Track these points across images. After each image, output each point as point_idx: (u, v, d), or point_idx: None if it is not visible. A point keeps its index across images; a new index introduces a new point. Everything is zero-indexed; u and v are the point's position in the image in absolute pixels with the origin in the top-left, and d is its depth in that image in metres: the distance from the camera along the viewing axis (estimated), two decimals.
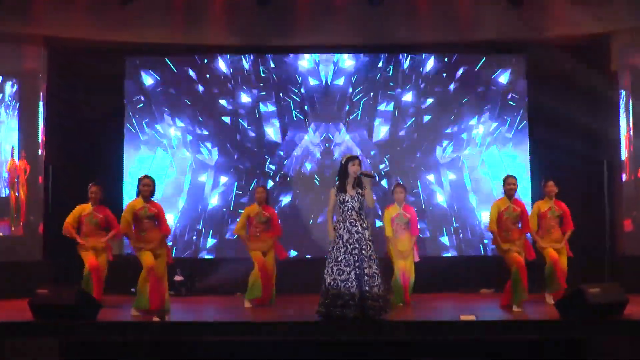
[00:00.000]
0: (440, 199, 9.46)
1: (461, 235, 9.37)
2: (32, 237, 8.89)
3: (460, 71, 9.48)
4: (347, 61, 9.55)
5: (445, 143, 9.45)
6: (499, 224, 7.14)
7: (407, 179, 9.16)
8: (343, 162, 6.18)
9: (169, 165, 9.46)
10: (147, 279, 6.70)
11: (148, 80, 9.50)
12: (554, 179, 7.77)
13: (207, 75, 9.54)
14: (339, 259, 6.00)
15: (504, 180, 7.26)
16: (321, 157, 9.50)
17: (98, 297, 6.98)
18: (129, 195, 8.73)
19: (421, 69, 9.51)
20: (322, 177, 9.45)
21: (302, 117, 9.52)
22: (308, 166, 9.50)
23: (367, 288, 5.92)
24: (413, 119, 9.49)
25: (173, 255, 9.08)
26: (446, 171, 9.46)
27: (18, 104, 8.89)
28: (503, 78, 9.46)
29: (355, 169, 6.12)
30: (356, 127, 9.51)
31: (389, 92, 9.51)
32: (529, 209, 7.69)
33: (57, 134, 9.14)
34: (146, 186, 6.86)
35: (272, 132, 9.50)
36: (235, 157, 9.50)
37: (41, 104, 9.02)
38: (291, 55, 9.53)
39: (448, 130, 9.44)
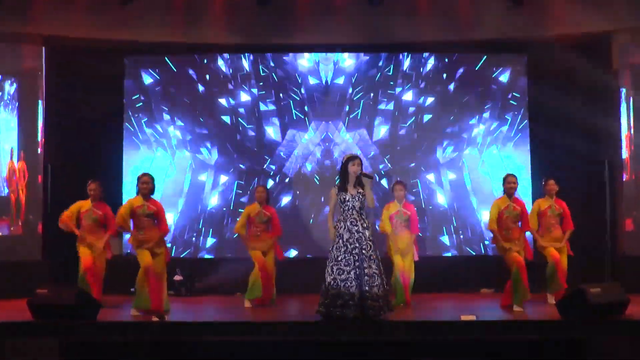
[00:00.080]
0: (441, 198, 9.45)
1: (461, 235, 9.36)
2: (32, 236, 8.87)
3: (461, 70, 9.47)
4: (347, 60, 9.54)
5: (445, 142, 9.44)
6: (499, 223, 7.13)
7: (407, 178, 9.14)
8: (343, 161, 6.18)
9: (168, 165, 9.44)
10: (145, 278, 6.68)
11: (147, 79, 9.48)
12: (555, 177, 7.77)
13: (207, 75, 9.52)
14: (339, 259, 6.00)
15: (504, 179, 7.26)
16: (321, 157, 9.49)
17: (97, 296, 6.96)
18: (129, 194, 8.69)
19: (421, 68, 9.49)
20: (322, 176, 9.44)
21: (302, 117, 9.51)
22: (308, 166, 9.49)
23: (367, 288, 5.91)
24: (413, 118, 9.48)
25: (173, 254, 9.13)
26: (446, 171, 9.45)
27: (17, 104, 8.88)
28: (503, 77, 9.45)
29: (355, 168, 6.11)
30: (356, 126, 9.49)
31: (389, 92, 9.49)
32: (529, 208, 7.67)
33: (57, 133, 9.13)
34: (145, 184, 6.83)
35: (272, 131, 9.49)
36: (235, 156, 9.48)
37: (40, 103, 9.01)
38: (291, 55, 9.52)
39: (448, 130, 9.43)
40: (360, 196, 6.11)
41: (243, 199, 9.33)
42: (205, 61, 9.53)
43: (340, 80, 9.52)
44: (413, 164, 9.44)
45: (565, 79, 9.02)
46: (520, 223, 7.20)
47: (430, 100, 9.48)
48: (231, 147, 9.48)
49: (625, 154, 8.85)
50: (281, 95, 9.49)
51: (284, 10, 8.93)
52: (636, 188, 8.75)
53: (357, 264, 5.96)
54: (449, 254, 9.34)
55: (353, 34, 9.12)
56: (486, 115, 9.45)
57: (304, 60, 9.53)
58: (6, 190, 8.76)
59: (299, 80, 9.51)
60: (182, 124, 9.48)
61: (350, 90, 9.49)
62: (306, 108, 9.50)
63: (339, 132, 9.49)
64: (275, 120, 9.48)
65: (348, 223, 6.07)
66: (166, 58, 9.48)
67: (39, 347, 5.70)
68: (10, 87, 8.85)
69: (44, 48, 8.99)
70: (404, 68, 9.50)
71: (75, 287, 6.93)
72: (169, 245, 9.09)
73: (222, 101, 9.51)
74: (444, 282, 8.80)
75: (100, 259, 7.39)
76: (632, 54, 8.79)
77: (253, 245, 7.72)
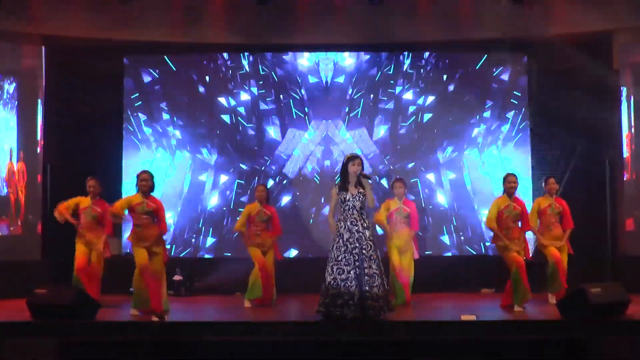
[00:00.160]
0: (441, 198, 9.43)
1: (461, 235, 9.35)
2: (31, 236, 8.86)
3: (461, 70, 9.45)
4: (347, 60, 9.52)
5: (445, 142, 9.42)
6: (499, 223, 7.12)
7: (407, 178, 9.09)
8: (344, 161, 6.18)
9: (168, 165, 9.43)
10: (140, 278, 6.65)
11: (147, 79, 9.47)
12: (555, 176, 7.75)
13: (207, 74, 9.51)
14: (339, 258, 5.99)
15: (504, 179, 7.24)
16: (321, 156, 9.48)
17: (95, 296, 6.92)
18: (129, 194, 8.67)
19: (421, 68, 9.48)
20: (322, 176, 9.42)
21: (302, 116, 9.49)
22: (308, 165, 9.47)
23: (367, 288, 5.90)
24: (413, 118, 9.47)
25: (173, 254, 9.13)
26: (446, 170, 9.43)
27: (17, 103, 8.87)
28: (504, 77, 9.44)
29: (355, 168, 6.11)
30: (356, 126, 9.48)
31: (389, 91, 9.48)
32: (529, 207, 7.66)
33: (56, 133, 9.12)
34: (144, 181, 6.81)
35: (272, 131, 9.48)
36: (235, 156, 9.47)
37: (40, 103, 9.00)
38: (291, 54, 9.51)
39: (448, 129, 9.41)
40: (361, 196, 6.10)
41: (243, 199, 9.32)
42: (205, 61, 9.51)
43: (341, 80, 9.50)
44: (413, 164, 9.43)
45: (565, 78, 9.00)
46: (520, 223, 7.18)
47: (430, 99, 9.47)
48: (231, 147, 9.47)
49: (626, 153, 8.84)
50: (281, 94, 9.48)
51: (283, 9, 8.91)
52: (637, 187, 8.74)
53: (357, 263, 5.95)
54: (449, 254, 9.32)
55: (353, 34, 9.11)
56: (486, 114, 9.43)
57: (304, 60, 9.52)
58: (5, 190, 8.74)
59: (299, 80, 9.50)
60: (182, 124, 9.47)
61: (350, 90, 9.48)
62: (306, 108, 9.49)
63: (339, 132, 9.48)
64: (276, 120, 9.47)
65: (348, 223, 6.06)
66: (166, 57, 9.47)
67: (38, 347, 5.69)
68: (9, 87, 8.84)
69: (43, 47, 8.98)
70: (404, 67, 9.48)
71: (74, 287, 6.92)
72: (168, 245, 9.10)
73: (222, 101, 9.49)
74: (444, 282, 8.78)
75: (99, 259, 7.36)
76: (633, 53, 8.78)
77: (253, 244, 7.69)
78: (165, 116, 9.47)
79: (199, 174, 9.45)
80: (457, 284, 8.86)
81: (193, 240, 9.36)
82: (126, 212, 6.84)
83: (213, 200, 9.42)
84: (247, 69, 9.50)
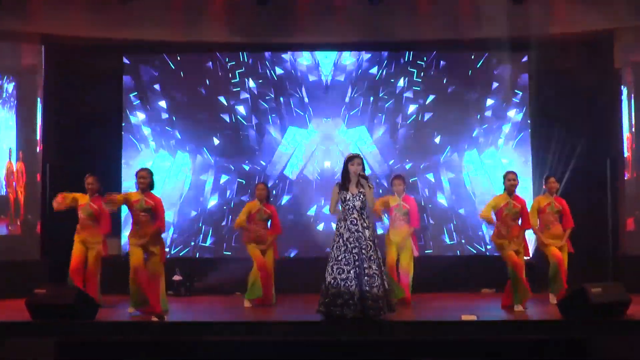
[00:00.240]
0: (441, 198, 9.42)
1: (462, 235, 9.33)
2: (30, 236, 8.85)
3: (462, 69, 9.44)
4: (348, 59, 9.51)
5: (445, 141, 9.41)
6: (498, 220, 7.11)
7: (407, 178, 9.09)
8: (345, 161, 6.17)
9: (168, 165, 9.41)
10: (135, 278, 6.63)
11: (147, 78, 9.45)
12: (555, 175, 7.74)
13: (207, 74, 9.49)
14: (339, 258, 5.98)
15: (505, 176, 7.23)
16: (321, 156, 9.46)
17: (93, 296, 6.90)
18: None
19: (422, 67, 9.46)
20: (322, 175, 9.41)
21: (302, 115, 9.48)
22: (308, 165, 9.46)
23: (367, 288, 5.89)
24: (413, 117, 9.45)
25: (172, 254, 9.12)
26: (446, 170, 9.42)
27: (16, 102, 8.85)
28: (505, 76, 9.42)
29: (355, 168, 6.09)
30: (356, 125, 9.47)
31: (389, 90, 9.47)
32: (529, 206, 7.64)
33: (55, 132, 9.11)
34: (142, 178, 6.79)
35: (272, 130, 9.46)
36: (235, 156, 9.45)
37: (39, 102, 8.98)
38: (291, 53, 9.49)
39: (449, 129, 9.39)
40: (361, 196, 6.09)
41: (243, 198, 9.30)
42: (205, 60, 9.49)
43: (341, 79, 9.49)
44: (413, 163, 9.41)
45: (566, 77, 8.99)
46: (520, 221, 7.17)
47: (430, 98, 9.45)
48: (231, 147, 9.45)
49: (626, 152, 8.82)
50: (281, 94, 9.47)
51: (283, 9, 8.90)
52: (638, 187, 8.72)
53: (357, 263, 5.94)
54: (450, 254, 9.31)
55: (353, 33, 9.10)
56: (487, 113, 9.42)
57: (304, 59, 9.50)
58: (4, 190, 8.72)
59: (299, 79, 9.49)
60: (182, 123, 9.45)
61: (350, 89, 9.46)
62: (306, 107, 9.48)
63: (339, 131, 9.46)
64: (276, 119, 9.46)
65: (348, 222, 6.05)
66: (165, 57, 9.45)
67: (37, 347, 5.67)
68: (8, 86, 8.82)
69: (43, 46, 8.96)
70: (405, 66, 9.47)
71: (73, 287, 6.91)
72: (168, 245, 9.09)
73: (222, 100, 9.48)
74: (444, 282, 8.77)
75: (96, 259, 7.33)
76: (633, 53, 8.76)
77: (252, 242, 7.67)
78: (165, 115, 9.45)
79: (199, 174, 9.44)
80: (457, 284, 8.85)
81: (193, 240, 9.34)
82: (124, 207, 6.82)
83: (213, 200, 9.41)
84: (247, 68, 9.48)
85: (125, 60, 9.42)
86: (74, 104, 9.11)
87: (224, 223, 9.33)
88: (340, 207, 6.15)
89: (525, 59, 9.39)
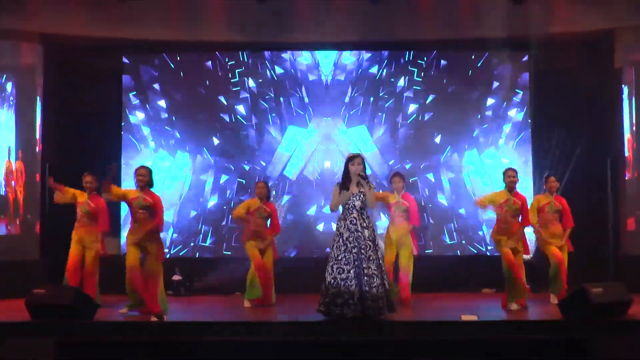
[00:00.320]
0: (441, 198, 9.40)
1: (462, 235, 9.32)
2: (30, 236, 8.83)
3: (462, 69, 9.43)
4: (348, 58, 9.50)
5: (446, 141, 9.39)
6: (498, 217, 7.10)
7: (407, 177, 9.08)
8: (345, 160, 6.16)
9: (168, 164, 9.40)
10: (131, 277, 6.62)
11: (146, 77, 9.43)
12: (555, 174, 7.71)
13: (206, 73, 9.48)
14: (339, 257, 5.97)
15: (504, 173, 7.22)
16: (321, 155, 9.45)
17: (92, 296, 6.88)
18: None
19: (422, 66, 9.45)
20: (322, 175, 9.40)
21: (302, 115, 9.47)
22: (308, 164, 9.44)
23: (366, 288, 5.88)
24: (414, 116, 9.44)
25: (172, 254, 9.10)
26: (446, 170, 9.40)
27: (15, 102, 8.84)
28: (505, 75, 9.40)
29: (356, 168, 6.08)
30: (356, 124, 9.45)
31: (389, 90, 9.45)
32: (529, 204, 7.62)
33: (55, 131, 9.09)
34: (141, 176, 6.79)
35: (272, 130, 9.45)
36: (235, 155, 9.44)
37: (39, 101, 8.97)
38: (291, 53, 9.48)
39: (449, 128, 9.38)
40: (362, 195, 6.07)
41: (243, 198, 9.27)
42: (205, 59, 9.48)
43: (341, 78, 9.47)
44: (413, 163, 9.40)
45: (567, 77, 8.98)
46: (520, 218, 7.15)
47: (431, 98, 9.44)
48: (231, 146, 9.44)
49: (627, 152, 8.80)
50: (281, 93, 9.46)
51: (283, 7, 8.88)
52: (638, 187, 8.71)
53: (356, 263, 5.93)
54: (450, 254, 9.29)
55: (353, 32, 9.09)
56: (488, 113, 9.41)
57: (304, 58, 9.49)
58: (3, 190, 8.71)
59: (299, 78, 9.47)
60: (182, 123, 9.44)
61: (350, 89, 9.45)
62: (306, 106, 9.47)
63: (339, 131, 9.45)
64: (276, 119, 9.44)
65: (348, 222, 6.04)
66: (165, 56, 9.44)
67: (37, 347, 5.67)
68: (7, 85, 8.81)
69: (42, 46, 8.94)
70: (405, 66, 9.45)
71: (73, 286, 6.89)
72: (168, 245, 9.08)
73: (222, 99, 9.46)
74: (444, 282, 8.76)
75: (94, 259, 7.31)
76: (634, 52, 8.75)
77: (251, 240, 7.65)
78: (165, 115, 9.44)
79: (199, 174, 9.42)
80: (457, 284, 8.84)
81: (193, 240, 9.33)
82: (124, 207, 6.80)
83: (213, 200, 9.39)
84: (247, 68, 9.47)
85: (125, 60, 9.41)
86: (74, 103, 9.09)
87: (224, 223, 9.32)
88: (340, 206, 6.14)
89: (525, 58, 9.38)
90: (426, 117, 9.44)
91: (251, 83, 9.45)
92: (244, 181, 9.36)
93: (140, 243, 6.66)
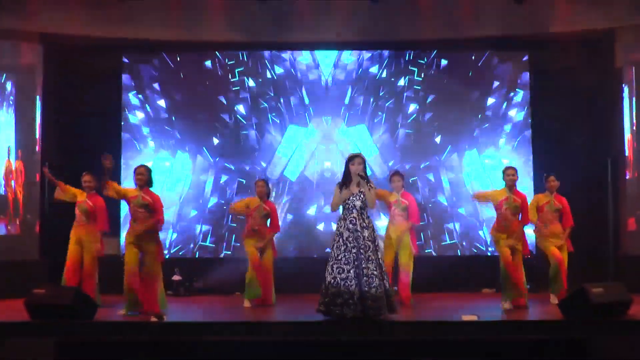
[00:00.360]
0: (441, 198, 9.40)
1: (462, 235, 9.32)
2: (30, 236, 8.82)
3: (462, 68, 9.42)
4: (348, 58, 9.49)
5: (446, 141, 9.39)
6: (498, 215, 7.09)
7: (407, 177, 9.07)
8: (346, 160, 6.16)
9: (168, 164, 9.39)
10: (129, 280, 6.62)
11: (146, 77, 9.43)
12: (555, 173, 7.70)
13: (206, 72, 9.48)
14: (339, 257, 5.96)
15: (504, 172, 7.21)
16: (321, 155, 9.44)
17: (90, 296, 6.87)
18: None
19: (422, 66, 9.45)
20: (322, 175, 9.40)
21: (302, 115, 9.46)
22: (308, 164, 9.44)
23: (365, 288, 5.88)
24: (414, 116, 9.44)
25: (172, 254, 9.10)
26: (447, 170, 9.40)
27: (15, 101, 8.84)
28: (506, 75, 9.40)
29: (356, 167, 6.08)
30: (356, 124, 9.45)
31: (389, 89, 9.45)
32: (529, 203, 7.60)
33: (54, 131, 9.09)
34: (139, 175, 6.80)
35: (272, 130, 9.45)
36: (235, 155, 9.43)
37: (38, 100, 8.97)
38: (291, 52, 9.47)
39: (449, 128, 9.37)
40: (362, 195, 6.07)
41: (243, 198, 9.27)
42: (205, 59, 9.48)
43: (341, 78, 9.47)
44: (413, 163, 9.39)
45: (567, 76, 8.98)
46: (520, 216, 7.14)
47: (431, 98, 9.44)
48: (231, 146, 9.43)
49: (627, 151, 8.79)
50: (281, 93, 9.45)
51: (283, 7, 8.88)
52: (639, 186, 8.70)
53: (356, 263, 5.93)
54: (450, 254, 9.29)
55: (354, 32, 9.09)
56: (488, 113, 9.40)
57: (304, 58, 9.49)
58: (3, 190, 8.70)
59: (299, 78, 9.47)
60: (182, 123, 9.43)
61: (350, 88, 9.45)
62: (306, 106, 9.46)
63: (339, 130, 9.45)
64: (275, 119, 9.44)
65: (347, 222, 6.04)
66: (165, 56, 9.43)
67: (36, 347, 5.66)
68: (7, 85, 8.80)
69: (41, 45, 8.94)
70: (405, 66, 9.45)
71: (72, 286, 6.89)
72: (167, 245, 9.08)
73: (222, 99, 9.46)
74: (444, 282, 8.76)
75: (92, 259, 7.29)
76: (634, 52, 8.74)
77: (249, 239, 7.65)
78: (165, 115, 9.43)
79: (198, 174, 9.42)
80: (457, 284, 8.84)
81: (193, 240, 9.32)
82: (124, 207, 6.80)
83: (213, 200, 9.39)
84: (247, 68, 9.47)
85: (125, 60, 9.40)
86: (73, 103, 9.09)
87: (224, 223, 9.31)
88: (340, 206, 6.13)
89: (525, 58, 9.37)
90: (426, 117, 9.43)
91: (251, 83, 9.45)
92: (244, 181, 9.35)
93: (139, 242, 6.66)
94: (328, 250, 6.25)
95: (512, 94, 9.39)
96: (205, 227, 9.34)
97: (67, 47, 9.01)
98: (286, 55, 9.48)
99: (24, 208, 8.83)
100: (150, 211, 6.75)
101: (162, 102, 9.44)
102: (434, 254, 9.24)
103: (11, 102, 8.82)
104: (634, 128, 8.73)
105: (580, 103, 9.08)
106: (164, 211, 7.02)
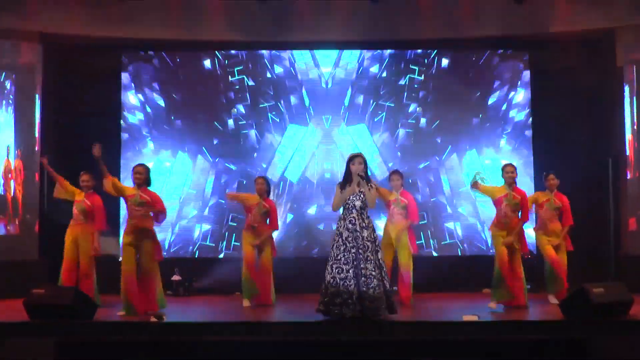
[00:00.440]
0: (441, 198, 9.39)
1: (462, 235, 9.31)
2: (29, 236, 8.81)
3: (463, 67, 9.42)
4: (348, 58, 9.48)
5: (446, 141, 9.38)
6: (497, 211, 7.07)
7: (406, 177, 9.07)
8: (347, 160, 6.15)
9: (168, 164, 9.38)
10: (126, 281, 6.62)
11: (146, 76, 9.42)
12: (555, 171, 7.68)
13: (206, 72, 9.47)
14: (339, 257, 5.97)
15: (503, 169, 7.19)
16: (321, 155, 9.44)
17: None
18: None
19: (423, 66, 9.44)
20: (322, 174, 9.39)
21: (302, 114, 9.46)
22: (308, 164, 9.43)
23: (364, 289, 5.87)
24: (414, 116, 9.43)
25: (171, 254, 9.09)
26: (447, 170, 9.39)
27: (14, 101, 8.83)
28: (506, 75, 9.39)
29: (356, 167, 6.07)
30: (356, 124, 9.44)
31: (390, 89, 9.44)
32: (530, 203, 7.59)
33: (54, 130, 9.08)
34: (137, 174, 6.80)
35: (272, 129, 9.44)
36: (235, 155, 9.42)
37: (38, 100, 8.96)
38: (291, 52, 9.47)
39: (450, 128, 9.36)
40: (362, 195, 6.07)
41: None
42: (204, 58, 9.47)
43: (341, 77, 9.46)
44: (413, 163, 9.38)
45: (568, 76, 8.98)
46: (520, 213, 7.12)
47: (431, 97, 9.43)
48: (231, 146, 9.42)
49: (628, 151, 8.78)
50: (281, 92, 9.45)
51: (283, 7, 8.88)
52: None
53: (355, 263, 5.93)
54: (450, 254, 9.28)
55: (354, 32, 9.09)
56: (488, 113, 9.40)
57: (304, 57, 9.48)
58: (2, 189, 8.69)
59: (299, 78, 9.46)
60: (181, 123, 9.43)
61: (350, 88, 9.44)
62: (306, 105, 9.46)
63: (339, 130, 9.44)
64: (275, 118, 9.44)
65: (347, 222, 6.04)
66: (164, 55, 9.42)
67: (36, 347, 5.66)
68: (7, 84, 8.79)
69: (41, 45, 8.93)
70: (405, 65, 9.44)
71: (72, 287, 6.88)
72: (168, 247, 9.07)
73: (222, 98, 9.45)
74: (444, 282, 8.75)
75: (89, 259, 7.28)
76: (635, 51, 8.73)
77: (247, 237, 7.64)
78: (164, 115, 9.42)
79: (199, 174, 9.41)
80: (457, 284, 8.82)
81: (192, 240, 9.32)
82: (123, 207, 6.81)
83: (212, 200, 9.38)
84: (247, 67, 9.46)
85: (124, 59, 9.40)
86: (73, 102, 9.09)
87: (224, 223, 9.30)
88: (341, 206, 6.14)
89: (526, 58, 9.37)
90: (426, 117, 9.42)
91: (251, 82, 9.44)
92: (244, 181, 9.34)
93: (136, 241, 6.67)
94: (328, 250, 6.22)
95: (512, 94, 9.38)
96: (205, 227, 9.34)
97: (67, 46, 9.01)
98: (286, 55, 9.47)
99: (23, 208, 8.82)
100: (147, 209, 6.75)
101: (161, 102, 9.43)
102: (434, 254, 9.24)
103: (11, 102, 8.81)
104: (635, 127, 8.72)
105: (581, 103, 9.07)
106: (162, 201, 6.98)
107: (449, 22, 8.96)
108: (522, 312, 6.82)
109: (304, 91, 9.45)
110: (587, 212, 8.34)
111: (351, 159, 6.12)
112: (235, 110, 9.41)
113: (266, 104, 9.44)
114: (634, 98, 8.72)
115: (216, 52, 9.44)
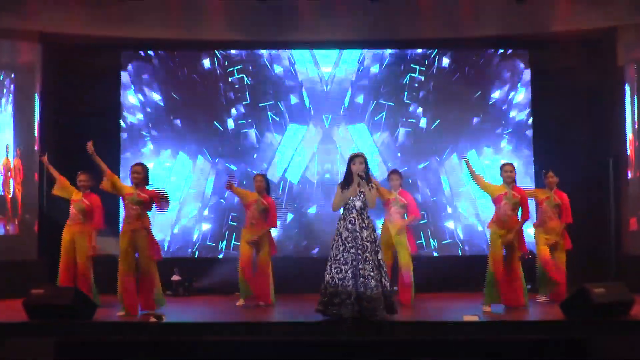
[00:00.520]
0: (441, 198, 9.38)
1: (462, 235, 9.30)
2: (29, 236, 8.81)
3: (463, 67, 9.42)
4: (349, 57, 9.48)
5: (446, 140, 9.37)
6: (497, 210, 7.03)
7: (406, 177, 9.07)
8: (348, 159, 6.14)
9: (167, 164, 9.37)
10: (124, 281, 6.61)
11: (145, 76, 9.42)
12: (554, 169, 7.65)
13: (206, 72, 9.46)
14: (338, 257, 5.96)
15: (501, 168, 7.14)
16: (321, 154, 9.43)
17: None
18: None
19: (423, 66, 9.43)
20: (322, 174, 9.38)
21: (303, 114, 9.45)
22: (308, 163, 9.43)
23: (362, 289, 5.87)
24: (414, 115, 9.42)
25: (171, 254, 9.08)
26: (447, 170, 9.39)
27: (13, 100, 8.82)
28: (506, 74, 9.39)
29: (357, 167, 6.06)
30: (357, 124, 9.44)
31: (390, 89, 9.44)
32: (531, 203, 7.57)
33: (53, 130, 9.08)
34: (135, 173, 6.80)
35: (272, 129, 9.43)
36: (235, 155, 9.42)
37: (37, 99, 8.95)
38: (291, 51, 9.46)
39: (449, 128, 9.36)
40: (362, 195, 6.06)
41: None
42: (204, 58, 9.46)
43: (341, 78, 9.46)
44: (413, 162, 9.38)
45: (568, 76, 8.97)
46: (520, 212, 7.10)
47: (431, 97, 9.42)
48: (231, 146, 9.42)
49: (629, 151, 8.77)
50: (281, 92, 9.44)
51: (284, 6, 8.88)
52: None
53: (354, 263, 5.92)
54: (450, 254, 9.28)
55: (354, 31, 9.08)
56: (488, 112, 9.39)
57: (305, 57, 9.47)
58: (1, 189, 8.68)
59: (299, 77, 9.46)
60: (181, 122, 9.42)
61: (351, 88, 9.44)
62: (307, 105, 9.45)
63: (340, 130, 9.44)
64: (275, 118, 9.43)
65: (347, 222, 6.03)
66: (164, 54, 9.42)
67: (36, 347, 5.65)
68: (6, 83, 8.79)
69: (41, 44, 8.92)
70: (406, 65, 9.44)
71: (71, 287, 6.87)
72: (167, 247, 9.06)
73: (222, 98, 9.45)
74: (445, 282, 8.74)
75: (86, 259, 7.27)
76: (636, 51, 8.71)
77: (246, 235, 7.63)
78: (164, 114, 9.42)
79: (199, 174, 9.40)
80: (457, 284, 8.81)
81: (192, 240, 9.31)
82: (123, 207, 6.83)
83: (212, 200, 9.37)
84: (247, 67, 9.45)
85: (124, 59, 9.39)
86: (73, 102, 9.08)
87: (224, 223, 9.30)
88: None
89: (526, 57, 9.36)
90: (427, 116, 9.42)
91: (251, 81, 9.44)
92: (244, 181, 9.33)
93: (134, 241, 6.68)
94: (328, 250, 6.21)
95: (512, 93, 9.38)
96: (205, 227, 9.33)
97: (67, 46, 9.00)
98: (285, 55, 9.47)
99: (22, 207, 8.81)
100: (144, 208, 6.76)
101: (161, 102, 9.42)
102: (434, 253, 9.23)
103: (10, 101, 8.80)
104: (636, 127, 8.71)
105: (581, 102, 9.06)
106: (161, 197, 6.96)
107: (449, 21, 8.95)
108: (522, 312, 6.81)
109: (304, 91, 9.45)
110: (588, 212, 8.33)
111: (352, 159, 6.11)
112: (235, 111, 9.40)
113: (266, 104, 9.43)
114: (635, 97, 8.71)
115: (216, 51, 9.43)
